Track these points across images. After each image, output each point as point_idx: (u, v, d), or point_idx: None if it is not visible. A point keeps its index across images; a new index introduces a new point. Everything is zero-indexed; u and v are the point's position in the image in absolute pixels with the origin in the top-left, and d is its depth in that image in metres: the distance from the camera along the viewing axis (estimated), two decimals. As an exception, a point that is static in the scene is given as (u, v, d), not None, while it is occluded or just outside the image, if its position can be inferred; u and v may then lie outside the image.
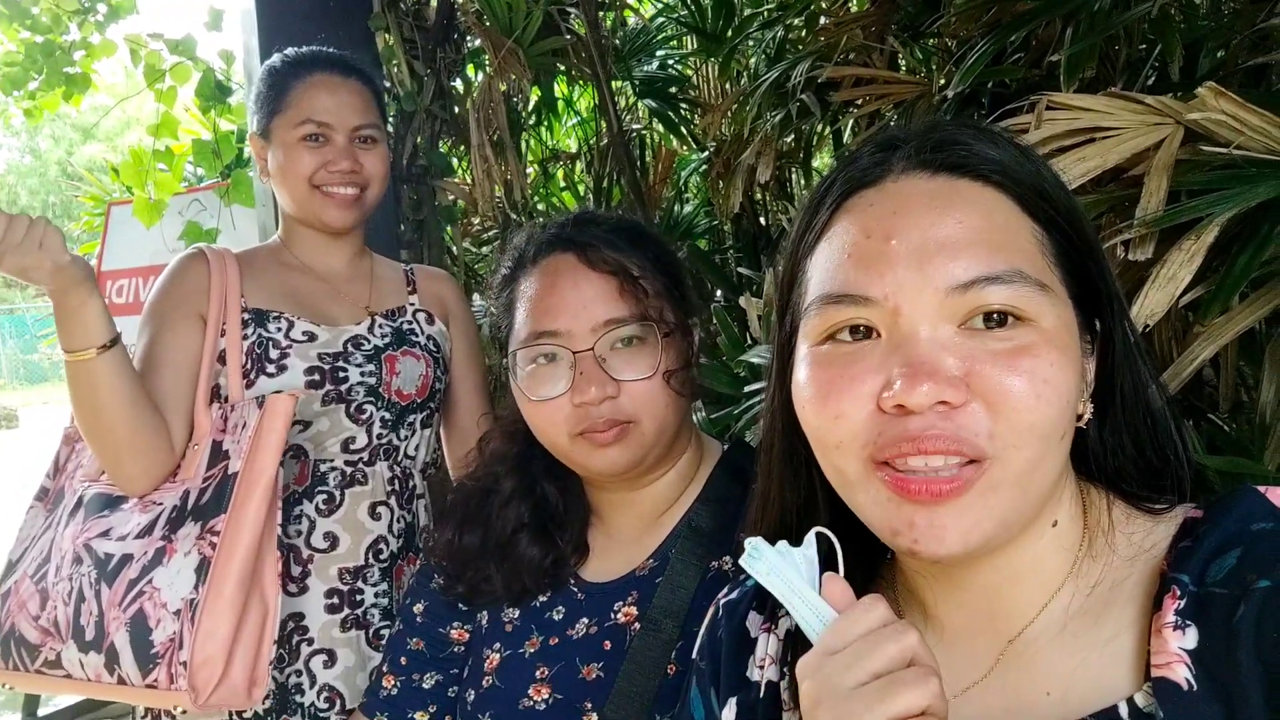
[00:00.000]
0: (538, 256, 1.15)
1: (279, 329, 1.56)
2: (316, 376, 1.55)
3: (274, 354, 1.54)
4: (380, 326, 1.65)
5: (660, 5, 3.14)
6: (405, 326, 1.67)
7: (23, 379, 22.05)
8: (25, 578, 1.45)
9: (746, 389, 1.69)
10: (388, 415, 1.60)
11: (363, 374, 1.58)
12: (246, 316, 1.56)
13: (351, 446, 1.57)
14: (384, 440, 1.60)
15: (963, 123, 0.73)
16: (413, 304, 1.72)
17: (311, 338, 1.58)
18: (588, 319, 1.09)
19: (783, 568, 0.68)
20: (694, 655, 0.90)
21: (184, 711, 1.50)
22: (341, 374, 1.57)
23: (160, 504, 1.45)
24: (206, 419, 1.49)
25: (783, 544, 0.69)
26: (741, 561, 0.69)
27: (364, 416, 1.58)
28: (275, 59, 1.68)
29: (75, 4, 3.58)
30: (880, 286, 0.65)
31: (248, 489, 1.39)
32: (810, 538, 0.68)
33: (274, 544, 1.41)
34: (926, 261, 0.64)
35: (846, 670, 0.60)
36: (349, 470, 1.58)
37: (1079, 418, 0.68)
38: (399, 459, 1.63)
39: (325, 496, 1.55)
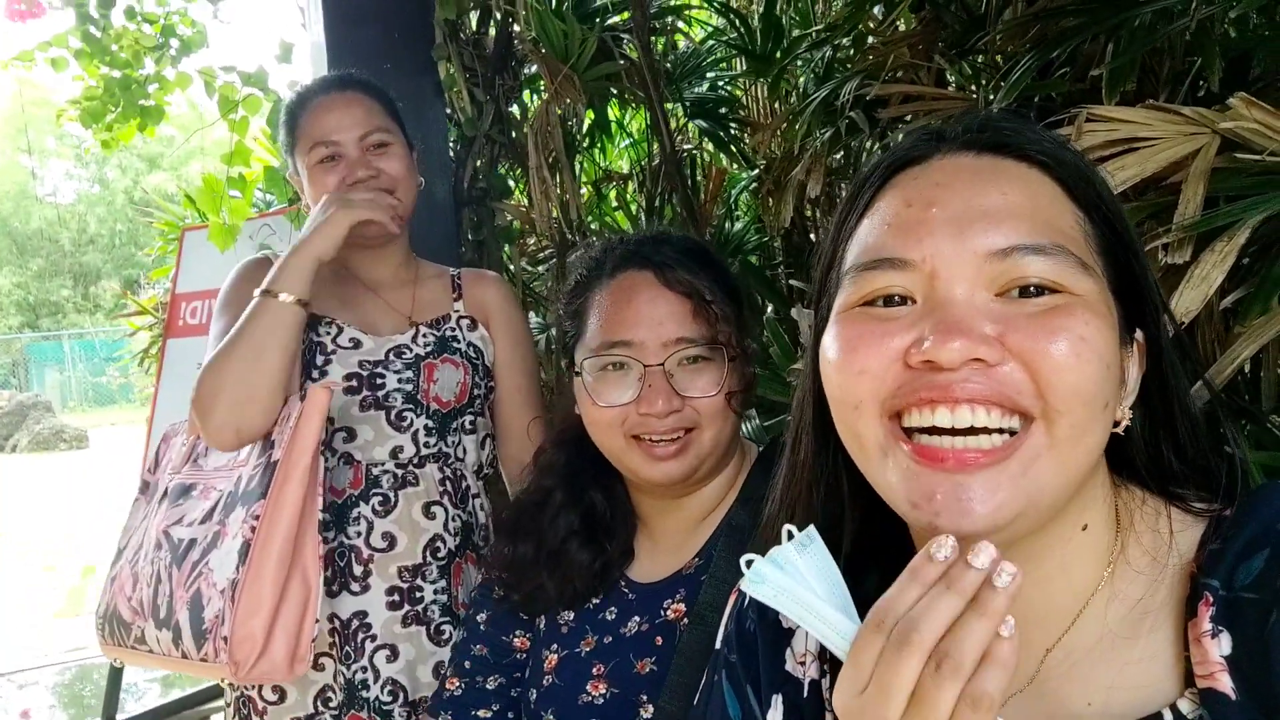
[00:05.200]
0: (615, 271, 1.22)
1: (328, 333, 1.64)
2: (354, 383, 1.62)
3: (319, 360, 1.62)
4: (424, 335, 1.70)
5: (710, 29, 3.21)
6: (449, 334, 1.72)
7: (92, 401, 22.72)
8: (125, 563, 1.58)
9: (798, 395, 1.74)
10: (430, 423, 1.65)
11: (400, 380, 1.64)
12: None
13: (400, 456, 1.63)
14: (432, 448, 1.65)
15: (1014, 113, 0.73)
16: (457, 310, 1.76)
17: (357, 345, 1.64)
18: (661, 334, 1.16)
19: (789, 586, 0.62)
20: (719, 644, 0.89)
21: (273, 702, 1.58)
22: (379, 380, 1.63)
23: (219, 490, 1.55)
24: None
25: (789, 549, 0.63)
26: (743, 586, 0.64)
27: (405, 424, 1.63)
28: (289, 98, 1.76)
29: (153, 40, 3.75)
30: (919, 250, 0.64)
31: (285, 475, 1.47)
32: (808, 534, 0.64)
33: (314, 527, 1.48)
34: (967, 227, 0.64)
35: (884, 706, 0.56)
36: (400, 473, 1.63)
37: (1116, 423, 0.66)
38: (449, 462, 1.67)
39: (380, 498, 1.61)
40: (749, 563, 0.63)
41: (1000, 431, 0.61)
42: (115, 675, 3.33)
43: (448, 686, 1.34)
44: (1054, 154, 0.67)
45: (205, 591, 1.45)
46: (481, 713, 1.31)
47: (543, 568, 1.27)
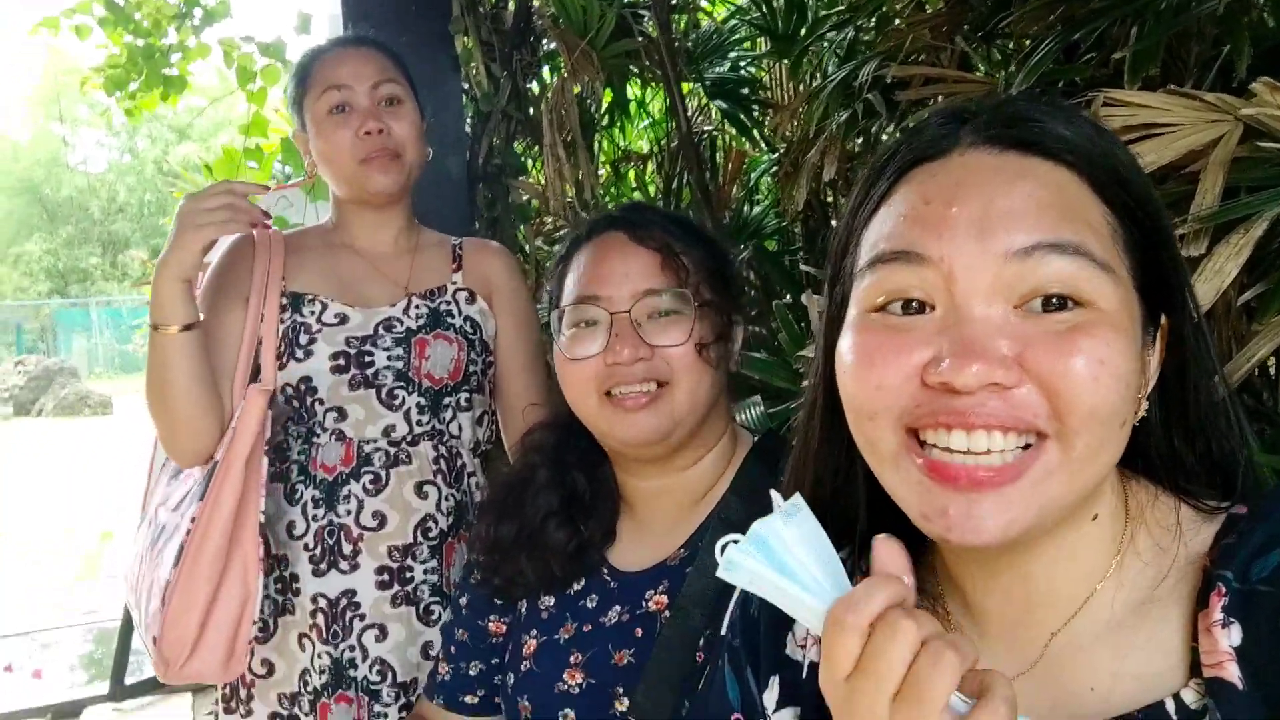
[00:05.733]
0: (591, 234, 1.22)
1: (312, 312, 1.61)
2: (341, 361, 1.59)
3: (303, 339, 1.60)
4: (416, 307, 1.66)
5: (733, 8, 3.16)
6: (443, 307, 1.68)
7: (117, 368, 23.02)
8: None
9: (804, 384, 1.71)
10: (423, 400, 1.62)
11: (390, 358, 1.61)
12: (284, 301, 1.61)
13: (393, 435, 1.61)
14: (425, 426, 1.62)
15: (1037, 99, 0.70)
16: (455, 282, 1.72)
17: (343, 320, 1.62)
18: (629, 287, 1.16)
19: (763, 571, 0.61)
20: (724, 631, 0.89)
21: (261, 675, 1.58)
22: (368, 358, 1.60)
23: (195, 478, 1.55)
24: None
25: (775, 520, 0.62)
26: (720, 574, 0.62)
27: (397, 402, 1.61)
28: (300, 57, 1.74)
29: (174, 9, 3.75)
30: (938, 247, 0.63)
31: (220, 478, 1.48)
32: (794, 502, 0.62)
33: (253, 529, 1.49)
34: (987, 229, 0.62)
35: (877, 693, 0.55)
36: (393, 450, 1.61)
37: (1133, 413, 0.65)
38: (444, 440, 1.65)
39: (371, 476, 1.59)
40: (724, 548, 0.62)
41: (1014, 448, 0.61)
42: (125, 638, 3.37)
43: (440, 670, 1.34)
44: (1083, 150, 0.65)
45: (155, 584, 1.47)
46: (468, 698, 1.31)
47: (522, 550, 1.25)
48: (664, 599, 1.17)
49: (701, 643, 1.10)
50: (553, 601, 1.26)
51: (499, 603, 1.31)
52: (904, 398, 0.63)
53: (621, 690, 1.14)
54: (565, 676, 1.18)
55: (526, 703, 1.20)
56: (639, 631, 1.17)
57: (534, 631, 1.25)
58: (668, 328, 1.15)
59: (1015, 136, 0.66)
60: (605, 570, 1.25)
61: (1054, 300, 0.61)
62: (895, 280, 0.65)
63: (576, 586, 1.25)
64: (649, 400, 1.14)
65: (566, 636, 1.22)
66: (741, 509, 1.17)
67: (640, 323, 1.15)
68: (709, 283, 1.19)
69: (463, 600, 1.35)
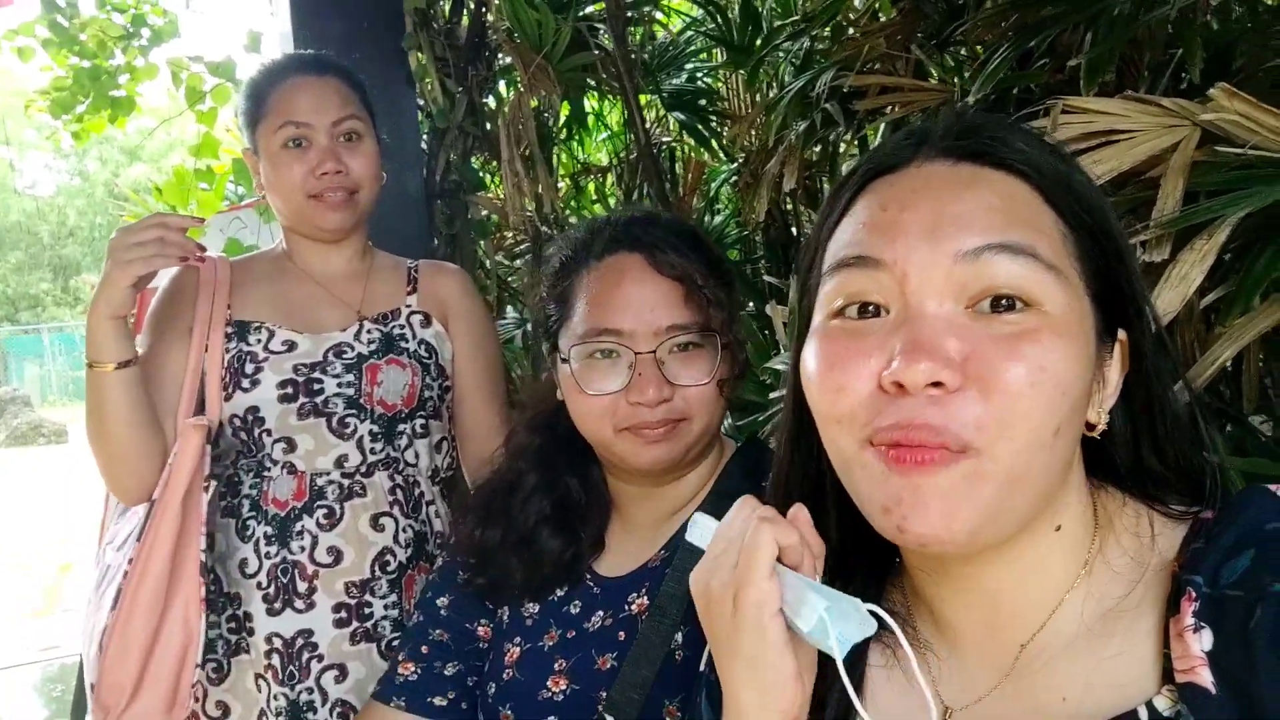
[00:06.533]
0: (603, 253, 1.16)
1: (258, 340, 1.56)
2: (289, 390, 1.54)
3: (249, 368, 1.54)
4: (368, 332, 1.61)
5: (688, 19, 3.17)
6: (396, 331, 1.64)
7: (71, 395, 22.52)
8: None
9: (772, 395, 1.70)
10: (375, 428, 1.57)
11: (340, 384, 1.56)
12: (230, 330, 1.56)
13: (346, 465, 1.56)
14: (379, 454, 1.58)
15: (996, 116, 0.73)
16: (409, 305, 1.68)
17: (291, 347, 1.57)
18: (651, 321, 1.11)
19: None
20: (702, 667, 0.89)
21: (215, 718, 1.54)
22: (317, 385, 1.55)
23: (137, 514, 1.50)
24: None
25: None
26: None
27: (348, 430, 1.56)
28: (254, 72, 1.67)
29: (120, 30, 3.68)
30: (891, 251, 0.65)
31: (157, 518, 1.44)
32: None
33: (193, 570, 1.44)
34: (938, 232, 0.64)
35: (717, 567, 0.72)
36: (346, 483, 1.56)
37: (1092, 427, 0.67)
38: (400, 468, 1.60)
39: (325, 511, 1.54)
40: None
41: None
42: (83, 677, 3.28)
43: (401, 671, 1.27)
44: (1034, 162, 0.67)
45: (95, 627, 1.43)
46: (437, 700, 1.25)
47: (511, 553, 1.22)
48: (645, 601, 1.16)
49: (680, 639, 1.09)
50: (536, 608, 1.23)
51: (488, 606, 1.27)
52: (865, 406, 0.65)
53: (604, 694, 1.11)
54: (549, 684, 1.16)
55: (509, 712, 1.17)
56: (622, 635, 1.15)
57: (517, 639, 1.22)
58: (690, 363, 1.12)
59: (969, 148, 0.68)
60: (588, 576, 1.23)
61: (1003, 301, 0.63)
62: (853, 285, 0.67)
63: (560, 592, 1.22)
64: (667, 432, 1.12)
65: (550, 643, 1.19)
66: (719, 510, 1.16)
67: (663, 360, 1.12)
68: (729, 313, 1.16)
69: (442, 600, 1.30)
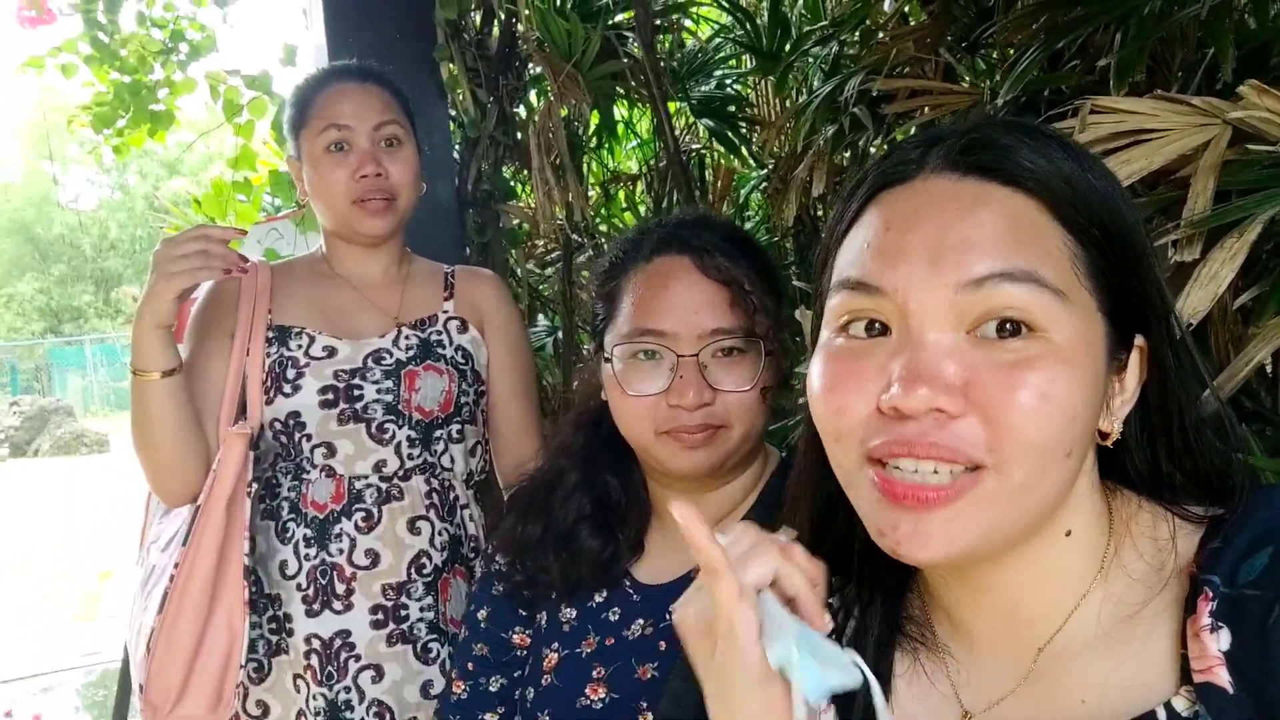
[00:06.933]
0: (651, 254, 1.17)
1: (299, 345, 1.58)
2: (330, 395, 1.56)
3: (290, 373, 1.57)
4: (406, 338, 1.63)
5: (716, 26, 3.17)
6: (434, 337, 1.66)
7: (113, 405, 22.92)
8: None
9: (801, 401, 1.70)
10: (413, 434, 1.59)
11: (379, 391, 1.58)
12: (271, 335, 1.59)
13: (384, 470, 1.58)
14: (416, 460, 1.60)
15: (1010, 122, 0.71)
16: (446, 311, 1.70)
17: (331, 353, 1.59)
18: (695, 324, 1.11)
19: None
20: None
21: (256, 717, 1.57)
22: (357, 392, 1.57)
23: (181, 515, 1.53)
24: None
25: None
26: None
27: (387, 436, 1.58)
28: (300, 81, 1.71)
29: (159, 45, 3.75)
30: (892, 279, 0.65)
31: (202, 524, 1.47)
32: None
33: (237, 575, 1.47)
34: (940, 259, 0.63)
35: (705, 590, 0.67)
36: (384, 486, 1.58)
37: (1105, 436, 0.67)
38: (436, 473, 1.62)
39: (363, 514, 1.56)
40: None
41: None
42: (125, 679, 3.33)
43: (454, 690, 1.30)
44: (1044, 178, 0.65)
45: (142, 630, 1.45)
46: (488, 716, 1.27)
47: (549, 549, 1.23)
48: None
49: None
50: (574, 614, 1.24)
51: (523, 614, 1.28)
52: (864, 426, 0.65)
53: (645, 705, 1.12)
54: (587, 691, 1.16)
55: (547, 718, 1.18)
56: (663, 645, 1.15)
57: (555, 645, 1.23)
58: (732, 368, 1.12)
59: (975, 162, 0.66)
60: (628, 582, 1.23)
61: (1008, 325, 0.62)
62: (856, 305, 0.67)
63: (598, 598, 1.23)
64: (706, 439, 1.12)
65: (589, 650, 1.19)
66: (767, 520, 1.16)
67: (705, 364, 1.12)
68: (774, 320, 1.16)
69: (481, 614, 1.31)
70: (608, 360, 1.17)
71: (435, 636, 1.58)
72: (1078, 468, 0.65)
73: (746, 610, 0.63)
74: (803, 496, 0.80)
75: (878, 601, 0.78)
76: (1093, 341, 0.64)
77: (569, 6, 2.60)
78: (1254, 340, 0.98)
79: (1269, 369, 1.18)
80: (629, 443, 1.19)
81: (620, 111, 3.17)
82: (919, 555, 0.63)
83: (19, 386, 23.73)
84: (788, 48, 2.65)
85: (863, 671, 0.62)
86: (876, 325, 0.67)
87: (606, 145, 3.29)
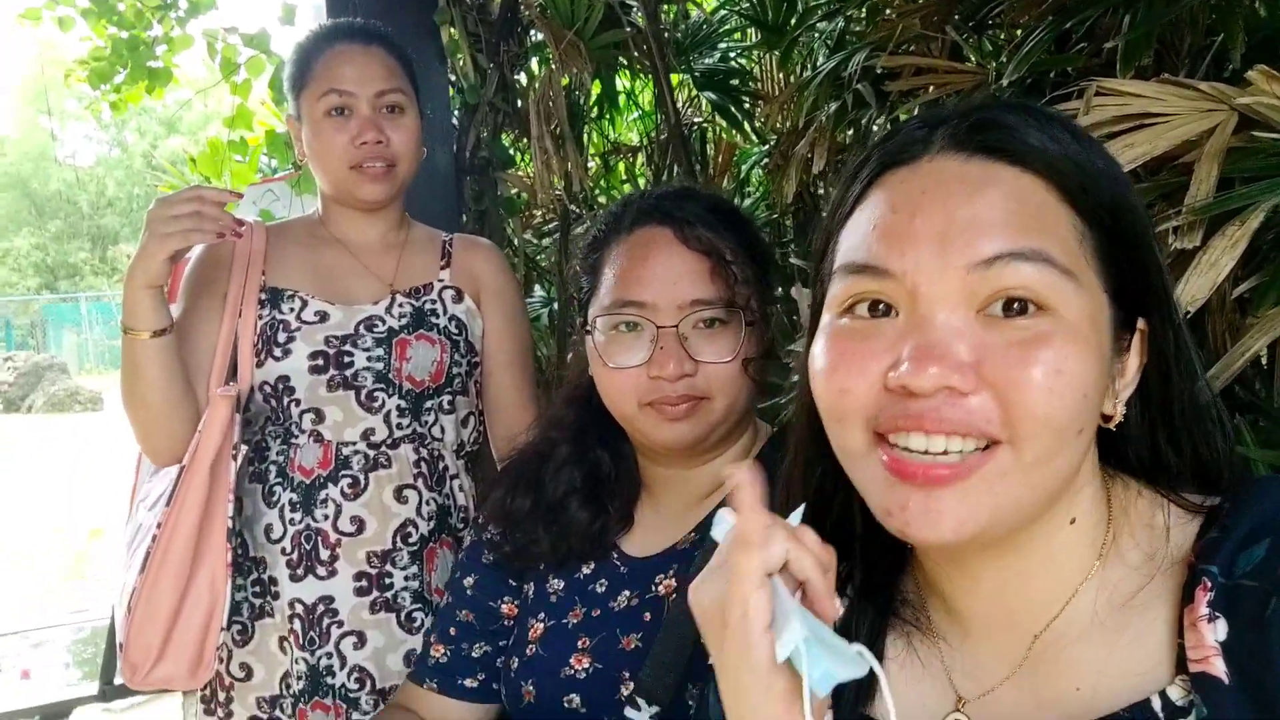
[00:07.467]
0: (633, 225, 1.16)
1: (291, 309, 1.57)
2: (320, 361, 1.55)
3: (281, 337, 1.55)
4: (399, 305, 1.62)
5: (722, -2, 3.14)
6: (428, 306, 1.64)
7: (107, 363, 22.88)
8: None
9: (795, 378, 1.69)
10: (403, 403, 1.58)
11: (370, 359, 1.57)
12: (263, 297, 1.57)
13: (372, 438, 1.57)
14: (405, 429, 1.59)
15: (1014, 104, 0.70)
16: (442, 280, 1.68)
17: (323, 318, 1.58)
18: (675, 295, 1.11)
19: None
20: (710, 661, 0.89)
21: (240, 679, 1.57)
22: (347, 359, 1.56)
23: (169, 474, 1.52)
24: None
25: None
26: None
27: (376, 405, 1.57)
28: (302, 38, 1.67)
29: (157, 1, 3.71)
30: (900, 262, 0.64)
31: (186, 484, 1.46)
32: (795, 515, 0.67)
33: (221, 537, 1.47)
34: (949, 242, 0.63)
35: (716, 579, 0.66)
36: (372, 454, 1.57)
37: (1108, 419, 0.67)
38: (426, 442, 1.61)
39: (349, 480, 1.56)
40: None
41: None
42: (113, 637, 3.34)
43: (433, 653, 1.30)
44: (1050, 158, 0.65)
45: (125, 588, 1.45)
46: (467, 681, 1.27)
47: (539, 522, 1.23)
48: (673, 583, 1.16)
49: None
50: (561, 585, 1.24)
51: (513, 584, 1.28)
52: (869, 402, 0.64)
53: (628, 675, 1.12)
54: (572, 661, 1.16)
55: (531, 687, 1.18)
56: (647, 616, 1.15)
57: (541, 615, 1.23)
58: (714, 339, 1.12)
59: (982, 142, 0.66)
60: (615, 555, 1.23)
61: (1015, 304, 0.62)
62: (862, 288, 0.67)
63: (586, 570, 1.23)
64: (688, 410, 1.12)
65: (575, 621, 1.20)
66: None
67: (686, 335, 1.11)
68: (756, 291, 1.15)
69: (469, 581, 1.31)
70: (589, 333, 1.16)
71: (419, 606, 1.57)
72: (1086, 448, 0.65)
73: (761, 598, 0.61)
74: (796, 480, 0.79)
75: (872, 584, 0.78)
76: (1099, 321, 0.64)
77: (572, -28, 2.56)
78: (1251, 330, 0.97)
79: (1264, 360, 1.18)
80: (613, 415, 1.19)
81: (622, 82, 3.14)
82: (929, 535, 0.62)
83: (14, 342, 23.68)
84: (793, 22, 2.62)
85: (870, 664, 0.60)
86: (881, 306, 0.66)
87: (607, 116, 3.26)
